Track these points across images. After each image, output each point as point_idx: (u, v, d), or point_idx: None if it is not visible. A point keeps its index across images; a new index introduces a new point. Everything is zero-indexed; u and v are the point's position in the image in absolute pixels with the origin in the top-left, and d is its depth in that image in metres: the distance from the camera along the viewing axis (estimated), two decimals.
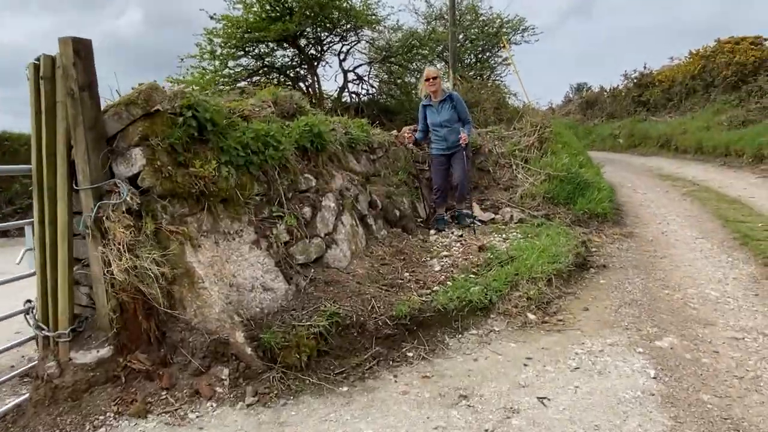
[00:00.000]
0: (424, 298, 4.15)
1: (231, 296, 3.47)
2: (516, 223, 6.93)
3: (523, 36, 18.36)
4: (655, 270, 5.56)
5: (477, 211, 7.01)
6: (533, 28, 18.14)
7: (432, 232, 6.30)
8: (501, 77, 17.91)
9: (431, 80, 6.39)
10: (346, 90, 14.03)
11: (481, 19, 17.99)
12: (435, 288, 4.42)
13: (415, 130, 7.04)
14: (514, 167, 7.98)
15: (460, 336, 4.05)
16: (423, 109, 6.67)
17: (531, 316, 4.32)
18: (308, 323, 3.51)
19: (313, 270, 4.17)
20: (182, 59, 12.73)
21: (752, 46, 17.42)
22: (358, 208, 4.91)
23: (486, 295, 4.32)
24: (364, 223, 5.03)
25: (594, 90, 27.89)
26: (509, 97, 13.93)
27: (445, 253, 5.32)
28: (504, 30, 17.78)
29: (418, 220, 6.61)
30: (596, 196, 7.50)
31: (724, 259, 5.83)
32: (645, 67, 23.44)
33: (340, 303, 3.80)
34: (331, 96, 14.03)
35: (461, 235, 6.16)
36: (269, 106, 4.70)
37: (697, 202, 9.19)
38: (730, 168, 13.36)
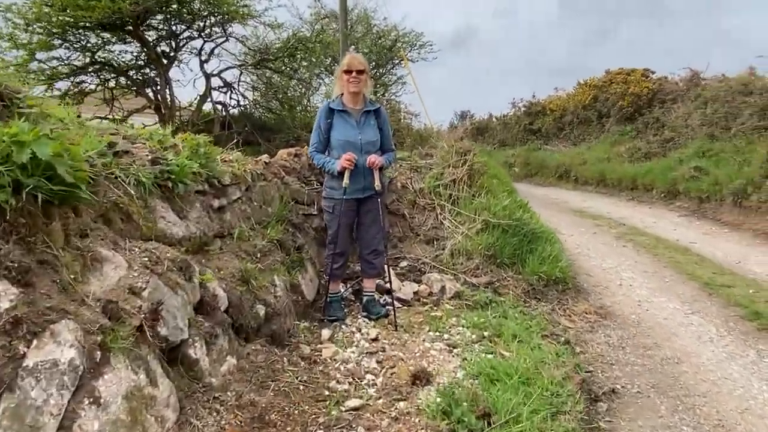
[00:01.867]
0: None
1: None
2: (451, 299, 4.57)
3: (420, 53, 16.63)
4: (687, 392, 3.45)
5: (394, 283, 4.55)
6: (431, 45, 16.49)
7: (325, 332, 3.68)
8: (397, 96, 15.95)
9: (355, 74, 3.85)
10: (209, 99, 11.01)
11: (374, 30, 15.96)
12: None
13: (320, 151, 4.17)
14: (438, 210, 5.67)
15: None
16: (328, 115, 3.96)
17: None
18: None
19: None
20: None
21: (643, 78, 17.27)
22: (160, 333, 2.16)
23: None
24: (180, 361, 2.30)
25: (482, 117, 27.26)
26: (410, 119, 11.89)
27: (352, 401, 2.71)
28: (400, 45, 15.89)
29: (300, 303, 3.97)
30: (549, 253, 5.41)
31: (755, 357, 3.93)
32: (533, 96, 23.07)
33: None
34: (189, 106, 10.92)
35: (375, 338, 3.63)
36: None
37: (642, 251, 7.58)
38: (642, 203, 12.40)
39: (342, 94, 3.92)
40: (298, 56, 10.67)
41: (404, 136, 10.75)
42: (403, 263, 5.18)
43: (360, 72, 3.80)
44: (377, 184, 3.81)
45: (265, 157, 4.84)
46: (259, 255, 3.47)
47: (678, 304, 5.27)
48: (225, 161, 3.74)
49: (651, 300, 5.41)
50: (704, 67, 15.61)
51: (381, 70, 16.22)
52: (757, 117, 11.36)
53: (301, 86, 11.18)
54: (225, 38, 10.79)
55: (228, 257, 3.13)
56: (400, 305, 4.31)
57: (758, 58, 16.57)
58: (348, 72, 3.80)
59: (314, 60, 11.45)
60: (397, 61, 15.98)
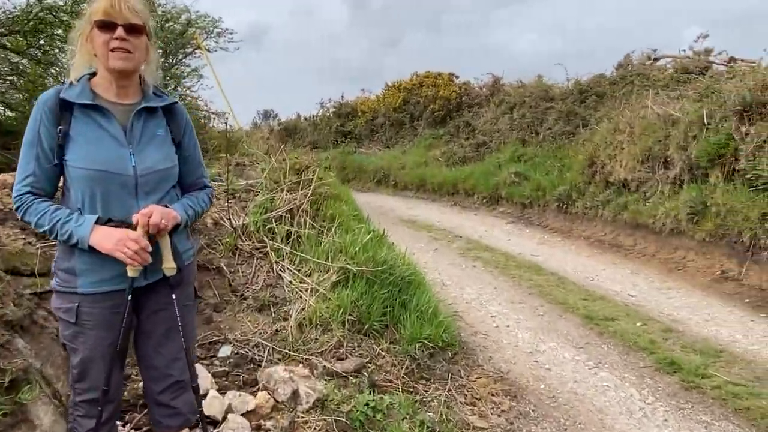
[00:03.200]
0: None
1: None
2: (311, 411, 2.87)
3: (218, 41, 14.23)
4: None
5: (212, 405, 2.67)
6: (231, 33, 14.21)
7: None
8: (192, 91, 13.38)
9: (122, 32, 1.76)
10: None
11: (160, 11, 13.10)
12: None
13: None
14: (273, 258, 3.88)
15: None
16: (58, 116, 1.78)
17: None
18: None
19: None
20: None
21: (450, 82, 17.47)
22: None
23: None
24: None
25: (289, 117, 25.56)
26: (213, 120, 9.71)
27: None
28: (194, 30, 13.31)
29: None
30: (425, 304, 4.04)
31: None
32: (342, 97, 22.19)
33: None
34: None
35: None
36: None
37: (496, 272, 6.79)
38: (466, 209, 12.11)
39: (92, 75, 1.91)
40: (47, 32, 7.62)
41: (206, 142, 8.55)
42: (224, 351, 3.30)
43: (134, 29, 1.84)
44: (169, 266, 1.91)
45: None
46: None
47: (572, 351, 4.35)
48: None
49: (542, 348, 4.42)
50: (501, 73, 16.26)
51: (171, 60, 13.45)
52: (563, 122, 11.81)
53: (55, 72, 8.12)
54: None
55: None
56: None
57: (557, 65, 17.83)
58: (106, 26, 1.81)
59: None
60: (190, 50, 13.40)
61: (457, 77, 18.15)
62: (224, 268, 3.74)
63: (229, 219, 3.97)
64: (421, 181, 14.50)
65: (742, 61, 10.75)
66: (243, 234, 3.95)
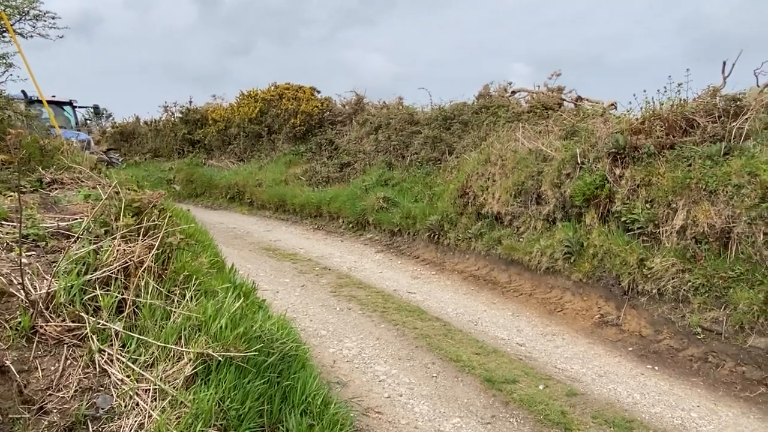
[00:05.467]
0: None
1: None
2: None
3: (35, 26, 11.65)
4: None
5: None
6: (54, 18, 11.74)
7: None
8: None
9: None
10: None
11: None
12: None
13: None
14: (94, 344, 2.64)
15: None
16: None
17: None
18: None
19: None
20: None
21: (312, 96, 16.61)
22: None
23: None
24: None
25: (126, 119, 22.50)
26: (21, 120, 7.69)
27: None
28: (1, 8, 10.71)
29: None
30: (312, 394, 3.12)
31: None
32: (191, 102, 20.07)
33: None
34: None
35: None
36: None
37: (376, 317, 6.07)
38: (331, 234, 11.31)
39: None
40: None
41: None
42: None
43: None
44: None
45: None
46: None
47: (480, 429, 3.74)
48: None
49: (445, 429, 3.73)
50: (363, 91, 15.90)
51: None
52: (429, 147, 11.65)
53: None
54: None
55: None
56: None
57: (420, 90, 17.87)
58: None
59: None
60: None
61: (319, 92, 17.38)
62: (10, 366, 2.42)
63: (23, 285, 2.64)
64: (280, 201, 13.39)
65: (587, 100, 11.59)
66: (47, 308, 2.65)
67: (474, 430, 3.71)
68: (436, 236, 8.94)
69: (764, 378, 4.54)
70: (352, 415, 3.41)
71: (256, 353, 2.91)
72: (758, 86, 6.92)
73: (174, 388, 2.61)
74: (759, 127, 5.69)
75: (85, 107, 15.84)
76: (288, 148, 15.92)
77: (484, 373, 4.54)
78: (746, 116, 5.79)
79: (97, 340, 2.69)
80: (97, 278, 2.87)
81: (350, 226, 11.23)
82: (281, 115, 16.30)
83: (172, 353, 2.75)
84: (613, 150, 6.25)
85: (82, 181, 5.31)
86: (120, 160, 14.13)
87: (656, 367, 4.92)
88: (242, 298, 3.19)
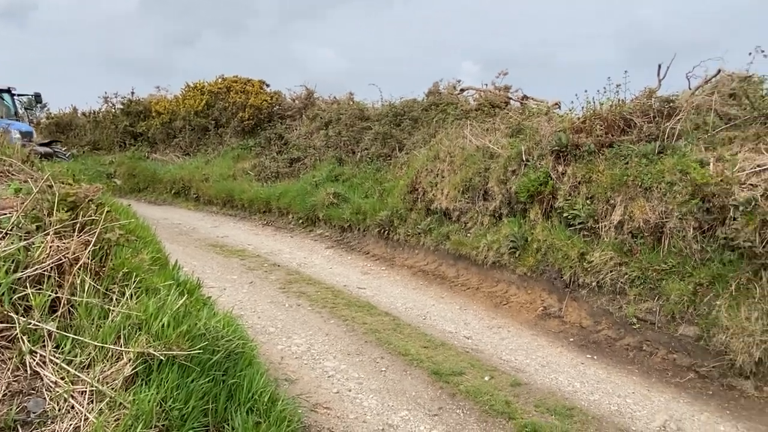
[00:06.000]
0: None
1: None
2: None
3: None
4: None
5: None
6: None
7: None
8: None
9: None
10: None
11: None
12: None
13: None
14: (24, 345, 2.50)
15: None
16: None
17: None
18: None
19: None
20: None
21: (261, 90, 16.29)
22: None
23: None
24: None
25: (63, 110, 21.36)
26: None
27: None
28: None
29: None
30: (261, 389, 3.08)
31: None
32: (133, 93, 19.26)
33: None
34: None
35: None
36: None
37: (325, 312, 6.04)
38: (280, 230, 11.17)
39: None
40: None
41: None
42: None
43: None
44: None
45: None
46: None
47: (428, 421, 3.80)
48: None
49: (394, 421, 3.77)
50: (314, 86, 15.75)
51: None
52: (379, 143, 11.67)
53: None
54: None
55: None
56: None
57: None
58: None
59: None
60: None
61: (268, 85, 17.06)
62: None
63: None
64: (228, 196, 13.10)
65: (533, 99, 11.93)
66: None
67: (421, 422, 3.77)
68: (386, 232, 8.98)
69: (693, 364, 4.82)
70: (300, 411, 3.38)
71: (201, 351, 2.84)
72: (690, 89, 7.32)
73: (112, 389, 2.51)
74: (689, 127, 6.02)
75: (26, 95, 14.89)
76: (236, 142, 15.57)
77: (432, 366, 4.61)
78: (678, 117, 6.13)
79: (28, 341, 2.55)
80: (29, 276, 2.72)
81: (300, 221, 11.12)
82: (229, 109, 15.91)
83: (110, 353, 2.64)
84: (556, 148, 6.47)
85: (12, 174, 5.01)
86: (68, 154, 13.30)
87: (595, 357, 5.14)
88: (186, 296, 3.10)
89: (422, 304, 6.58)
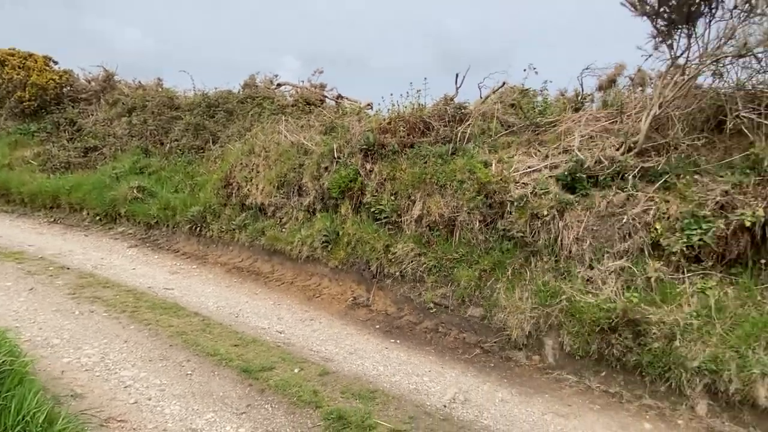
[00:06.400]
0: None
1: None
2: None
3: None
4: None
5: None
6: None
7: None
8: None
9: None
10: None
11: None
12: None
13: None
14: None
15: None
16: None
17: None
18: None
19: None
20: None
21: (47, 67, 14.14)
22: None
23: None
24: None
25: None
26: None
27: None
28: None
29: None
30: (36, 408, 2.74)
31: None
32: None
33: None
34: None
35: None
36: None
37: (124, 318, 5.55)
38: (72, 228, 9.91)
39: None
40: None
41: None
42: None
43: None
44: None
45: None
46: None
47: (234, 420, 3.73)
48: None
49: (198, 425, 3.63)
50: (114, 67, 14.19)
51: None
52: (191, 135, 11.02)
53: None
54: None
55: None
56: None
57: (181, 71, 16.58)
58: None
59: None
60: None
61: (56, 62, 14.88)
62: None
63: None
64: (4, 189, 11.18)
65: (347, 99, 12.37)
66: None
67: (228, 422, 3.69)
68: (198, 228, 8.54)
69: (479, 341, 5.50)
70: (86, 428, 3.06)
71: None
72: (481, 97, 8.29)
73: None
74: (477, 131, 6.83)
75: None
76: (14, 126, 13.36)
77: (242, 364, 4.53)
78: (469, 122, 6.91)
79: None
80: None
81: (97, 218, 9.98)
82: (4, 86, 13.53)
83: None
84: (365, 147, 6.82)
85: None
86: None
87: (398, 341, 5.56)
88: None
89: (235, 301, 6.42)
